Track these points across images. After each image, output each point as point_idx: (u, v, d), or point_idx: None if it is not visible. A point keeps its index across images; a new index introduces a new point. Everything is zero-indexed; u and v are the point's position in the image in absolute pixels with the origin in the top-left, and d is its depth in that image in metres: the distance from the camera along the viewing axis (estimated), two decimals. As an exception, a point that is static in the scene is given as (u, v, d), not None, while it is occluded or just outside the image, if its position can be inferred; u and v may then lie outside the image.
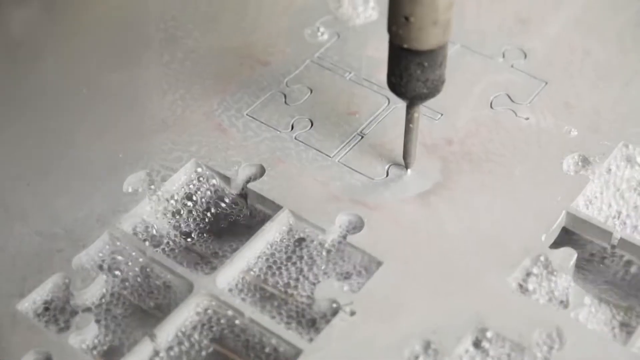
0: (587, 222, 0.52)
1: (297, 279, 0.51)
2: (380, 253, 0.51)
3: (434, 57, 0.49)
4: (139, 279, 0.51)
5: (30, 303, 0.49)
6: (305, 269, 0.51)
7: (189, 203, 0.54)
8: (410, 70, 0.49)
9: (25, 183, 0.55)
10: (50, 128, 0.58)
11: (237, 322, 0.49)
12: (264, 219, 0.53)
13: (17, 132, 0.58)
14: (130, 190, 0.54)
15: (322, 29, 0.64)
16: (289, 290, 0.50)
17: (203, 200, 0.54)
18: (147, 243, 0.52)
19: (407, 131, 0.53)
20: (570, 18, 0.65)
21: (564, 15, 0.65)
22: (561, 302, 0.49)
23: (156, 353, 0.48)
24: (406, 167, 0.55)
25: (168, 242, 0.53)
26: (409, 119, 0.53)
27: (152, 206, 0.54)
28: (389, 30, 0.48)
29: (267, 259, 0.52)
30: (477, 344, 0.47)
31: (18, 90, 0.61)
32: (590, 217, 0.52)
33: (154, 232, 0.53)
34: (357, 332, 0.47)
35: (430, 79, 0.50)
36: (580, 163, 0.55)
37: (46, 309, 0.49)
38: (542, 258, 0.50)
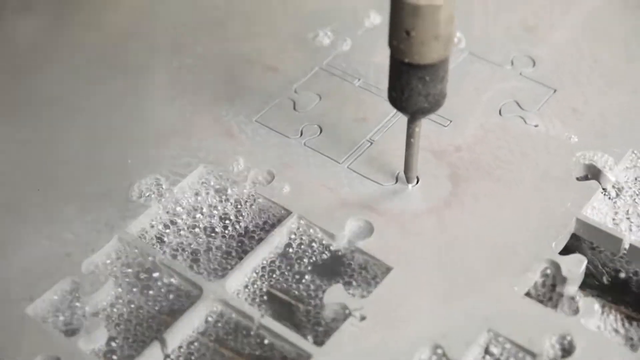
0: (597, 228, 0.52)
1: (306, 285, 0.51)
2: (390, 259, 0.51)
3: (435, 71, 0.48)
4: (147, 283, 0.51)
5: (39, 307, 0.49)
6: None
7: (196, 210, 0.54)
8: (412, 84, 0.49)
9: (35, 188, 0.55)
10: (59, 134, 0.58)
11: (246, 326, 0.49)
12: (273, 224, 0.53)
13: (27, 138, 0.58)
14: (138, 195, 0.54)
15: (330, 36, 0.64)
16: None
17: (210, 206, 0.55)
18: (155, 247, 0.52)
19: (408, 146, 0.53)
20: (578, 25, 0.65)
21: (571, 22, 0.65)
22: (571, 308, 0.49)
23: (166, 357, 0.48)
24: (407, 181, 0.54)
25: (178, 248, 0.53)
26: (410, 134, 0.52)
27: (161, 211, 0.54)
28: (390, 44, 0.48)
29: (275, 264, 0.52)
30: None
31: (27, 97, 0.61)
32: (600, 224, 0.52)
33: (162, 237, 0.53)
34: (367, 337, 0.47)
35: (432, 94, 0.49)
36: (589, 170, 0.55)
37: (55, 313, 0.49)
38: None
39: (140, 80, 0.62)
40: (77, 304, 0.50)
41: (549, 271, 0.50)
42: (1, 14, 0.67)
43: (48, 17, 0.67)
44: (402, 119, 0.58)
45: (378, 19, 0.65)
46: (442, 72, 0.49)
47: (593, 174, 0.55)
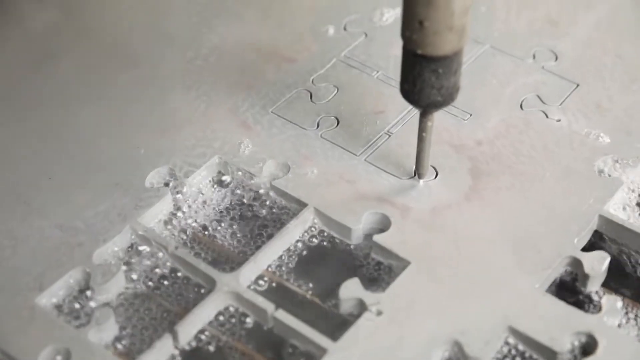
0: (621, 225, 0.50)
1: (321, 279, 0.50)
2: (408, 253, 0.49)
3: (448, 63, 0.47)
4: (160, 275, 0.50)
5: (49, 297, 0.48)
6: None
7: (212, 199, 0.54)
8: (424, 76, 0.47)
9: (47, 177, 0.54)
10: (72, 123, 0.57)
11: (259, 320, 0.48)
12: (289, 216, 0.52)
13: (39, 128, 0.57)
14: (152, 185, 0.53)
15: (349, 28, 0.63)
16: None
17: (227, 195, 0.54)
18: (168, 239, 0.51)
19: (420, 140, 0.51)
20: (601, 20, 0.64)
21: (594, 17, 0.64)
22: (593, 305, 0.48)
23: (177, 350, 0.47)
24: (419, 177, 0.53)
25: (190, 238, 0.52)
26: (422, 128, 0.51)
27: (174, 201, 0.53)
28: (403, 35, 0.47)
29: (290, 257, 0.51)
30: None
31: (40, 87, 0.60)
32: (623, 221, 0.51)
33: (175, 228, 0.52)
34: (384, 333, 0.46)
35: (445, 86, 0.48)
36: (613, 165, 0.54)
37: (65, 303, 0.48)
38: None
39: (155, 70, 0.61)
40: (88, 294, 0.49)
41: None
42: (15, 4, 0.66)
43: (62, 6, 0.66)
44: (422, 112, 0.57)
45: (397, 11, 0.64)
46: (456, 65, 0.47)
47: (617, 170, 0.53)
